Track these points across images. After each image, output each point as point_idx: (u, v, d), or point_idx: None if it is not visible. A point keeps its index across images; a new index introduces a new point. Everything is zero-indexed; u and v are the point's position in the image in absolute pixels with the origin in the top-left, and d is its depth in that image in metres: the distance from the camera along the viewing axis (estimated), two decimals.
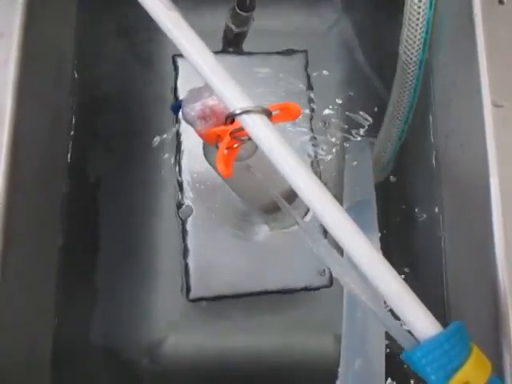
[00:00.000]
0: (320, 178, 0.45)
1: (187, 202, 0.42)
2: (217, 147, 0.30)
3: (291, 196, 0.35)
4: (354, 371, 0.31)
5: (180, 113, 0.31)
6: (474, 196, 0.36)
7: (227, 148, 0.27)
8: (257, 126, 0.25)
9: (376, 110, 0.51)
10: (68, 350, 0.45)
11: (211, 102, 0.29)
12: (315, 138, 0.45)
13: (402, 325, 0.24)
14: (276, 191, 0.34)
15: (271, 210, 0.38)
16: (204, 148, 0.34)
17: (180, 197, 0.42)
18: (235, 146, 0.28)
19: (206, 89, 0.29)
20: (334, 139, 0.50)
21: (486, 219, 0.34)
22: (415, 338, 0.23)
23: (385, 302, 0.24)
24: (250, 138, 0.26)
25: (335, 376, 0.32)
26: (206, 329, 0.49)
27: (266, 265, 0.42)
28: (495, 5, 0.36)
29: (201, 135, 0.30)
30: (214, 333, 0.48)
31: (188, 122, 0.30)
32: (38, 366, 0.43)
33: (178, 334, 0.48)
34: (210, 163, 0.34)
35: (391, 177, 0.50)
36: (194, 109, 0.29)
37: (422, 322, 0.23)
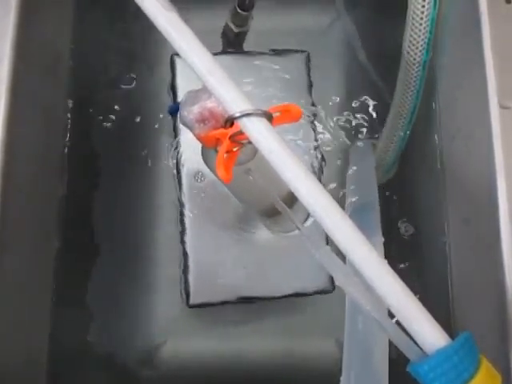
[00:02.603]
0: (321, 180, 0.44)
1: (186, 205, 0.42)
2: (216, 150, 0.29)
3: (292, 199, 0.34)
4: (356, 382, 0.30)
5: (178, 115, 0.30)
6: (481, 199, 0.35)
7: (227, 152, 0.27)
8: (257, 130, 0.24)
9: (379, 110, 0.50)
10: (65, 355, 0.45)
11: (210, 104, 0.28)
12: (316, 139, 0.44)
13: (408, 335, 0.23)
14: (277, 195, 0.33)
15: (272, 214, 0.37)
16: (203, 151, 0.33)
17: (179, 200, 0.42)
18: (235, 149, 0.27)
19: (204, 91, 0.28)
20: (335, 140, 0.49)
21: (493, 224, 0.33)
22: (422, 350, 0.22)
23: (390, 312, 0.23)
24: (250, 142, 0.25)
25: (336, 380, 0.31)
26: (206, 333, 0.48)
27: (267, 270, 0.42)
28: (502, 4, 0.35)
29: (199, 138, 0.29)
30: (213, 337, 0.48)
31: (186, 125, 0.29)
32: (35, 373, 0.42)
33: (177, 339, 0.48)
34: (209, 167, 0.33)
35: (394, 179, 0.50)
36: (192, 112, 0.28)
37: (429, 333, 0.22)
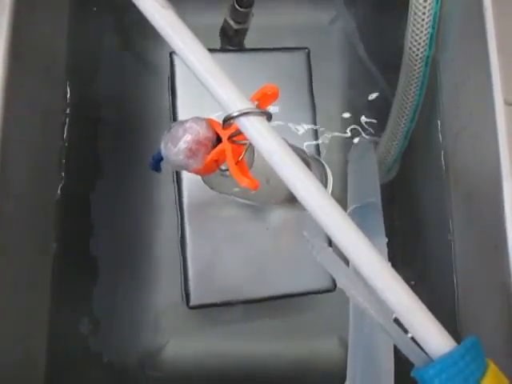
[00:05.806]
0: (322, 179, 0.44)
1: (186, 207, 0.41)
2: (220, 169, 0.28)
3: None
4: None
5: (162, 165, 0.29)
6: (486, 198, 0.35)
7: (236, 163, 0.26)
8: (256, 129, 0.23)
9: (381, 108, 0.49)
10: (65, 355, 0.44)
11: (190, 136, 0.26)
12: (317, 137, 0.43)
13: (412, 340, 0.23)
14: (283, 192, 0.32)
15: (291, 200, 0.36)
16: (205, 181, 0.32)
17: (178, 202, 0.41)
18: (240, 158, 0.26)
19: (177, 128, 0.27)
20: (336, 138, 0.49)
21: (499, 222, 0.33)
22: (427, 355, 0.22)
23: (394, 317, 0.23)
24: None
25: (339, 379, 0.31)
26: (207, 334, 0.48)
27: (268, 270, 0.41)
28: None
29: (198, 172, 0.28)
30: (215, 338, 0.48)
31: (181, 168, 0.27)
32: (33, 374, 0.42)
33: (179, 340, 0.47)
34: (220, 190, 0.32)
35: (397, 178, 0.49)
36: (180, 151, 0.26)
37: (434, 338, 0.22)
